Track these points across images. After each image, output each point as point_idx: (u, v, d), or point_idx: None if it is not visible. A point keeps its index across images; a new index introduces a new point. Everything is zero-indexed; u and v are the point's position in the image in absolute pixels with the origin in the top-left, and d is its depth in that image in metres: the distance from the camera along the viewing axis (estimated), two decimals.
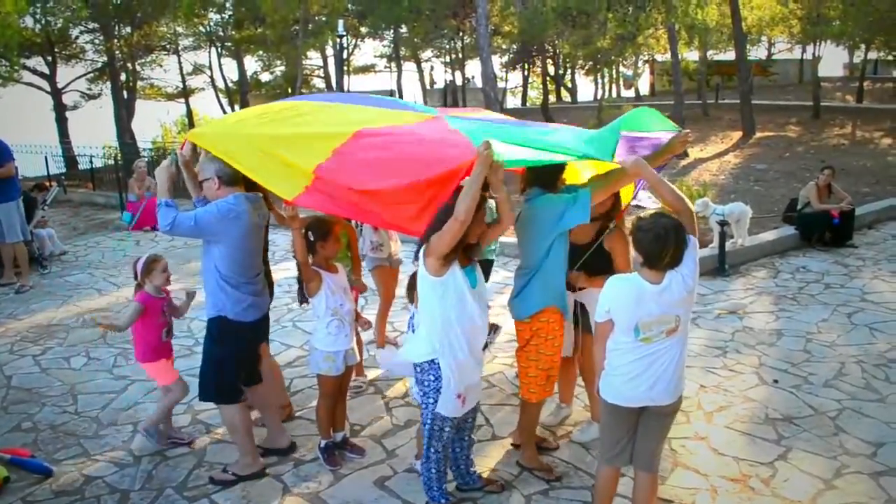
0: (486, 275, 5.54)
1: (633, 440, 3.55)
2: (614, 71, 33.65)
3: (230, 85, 29.18)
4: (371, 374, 5.84)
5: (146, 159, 15.23)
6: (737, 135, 19.46)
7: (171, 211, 4.02)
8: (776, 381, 5.61)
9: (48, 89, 23.59)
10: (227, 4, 24.95)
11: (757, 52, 35.26)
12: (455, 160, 3.58)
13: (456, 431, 3.97)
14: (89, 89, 27.04)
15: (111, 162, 16.56)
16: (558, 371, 4.32)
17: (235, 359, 4.34)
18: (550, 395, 4.37)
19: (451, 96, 32.08)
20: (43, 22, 22.03)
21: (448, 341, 3.69)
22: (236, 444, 4.42)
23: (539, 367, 4.16)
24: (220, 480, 4.34)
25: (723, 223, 8.80)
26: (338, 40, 18.59)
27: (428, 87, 36.14)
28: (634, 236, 3.32)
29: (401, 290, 6.11)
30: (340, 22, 16.50)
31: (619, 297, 3.35)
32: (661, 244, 3.22)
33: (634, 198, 4.83)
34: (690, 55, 27.56)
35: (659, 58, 33.66)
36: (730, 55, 28.74)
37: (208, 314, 4.27)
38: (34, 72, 23.32)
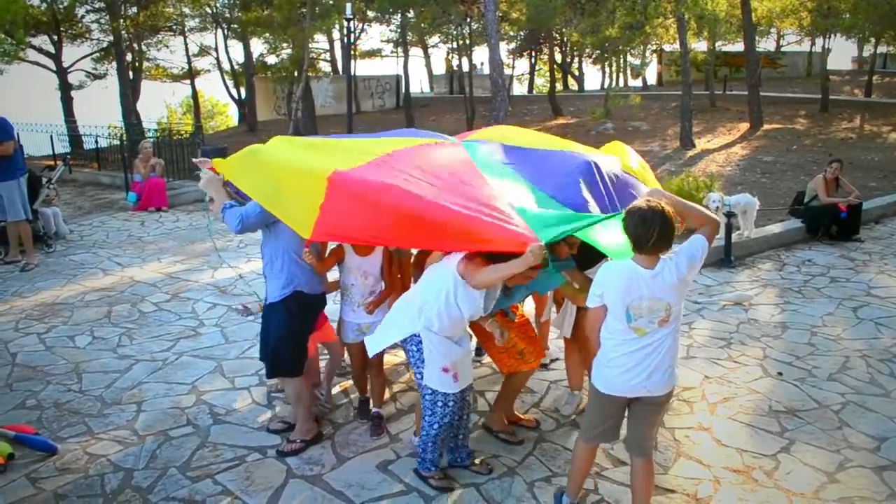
0: None
1: (616, 424, 3.62)
2: (622, 60, 33.48)
3: (236, 67, 29.10)
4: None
5: (152, 140, 15.20)
6: (744, 126, 19.40)
7: (235, 209, 4.29)
8: (780, 374, 5.60)
9: (53, 68, 23.54)
10: None
11: (766, 44, 35.09)
12: (506, 240, 3.56)
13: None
14: (95, 69, 26.99)
15: (116, 142, 16.53)
16: (531, 343, 4.54)
17: (308, 332, 4.58)
18: (531, 367, 4.56)
19: (458, 82, 31.97)
20: (49, 0, 21.96)
21: (426, 316, 3.87)
22: (298, 412, 4.57)
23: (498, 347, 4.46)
24: (289, 451, 4.48)
25: (729, 214, 8.77)
26: (345, 23, 18.44)
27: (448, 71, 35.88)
28: (623, 222, 3.35)
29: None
30: (348, 5, 16.33)
31: (612, 279, 3.38)
32: (647, 225, 3.23)
33: None
34: (699, 45, 27.37)
35: (667, 48, 33.48)
36: (738, 46, 28.58)
37: (280, 295, 4.36)
38: (40, 50, 23.28)
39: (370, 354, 4.21)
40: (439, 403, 3.94)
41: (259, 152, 4.40)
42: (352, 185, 3.79)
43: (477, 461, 4.30)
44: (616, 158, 4.75)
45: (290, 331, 4.42)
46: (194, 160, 4.58)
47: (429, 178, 3.93)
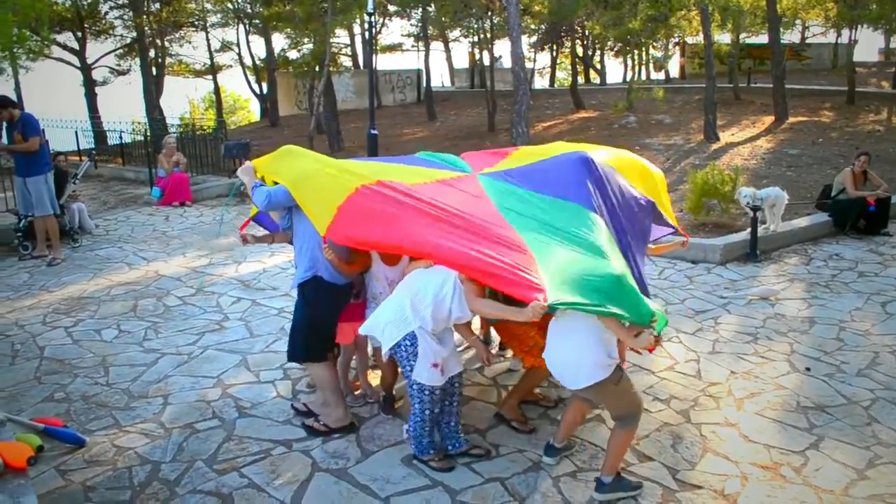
0: None
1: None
2: (644, 53, 33.19)
3: (257, 62, 29.24)
4: None
5: (175, 135, 15.32)
6: (769, 119, 19.14)
7: (263, 188, 4.39)
8: (808, 369, 5.54)
9: (78, 65, 23.80)
10: None
11: (790, 36, 34.58)
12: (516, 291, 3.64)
13: (443, 396, 4.25)
14: (118, 65, 27.30)
15: (140, 137, 16.69)
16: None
17: (327, 320, 4.60)
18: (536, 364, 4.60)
19: (479, 76, 31.86)
20: None
21: (420, 316, 4.05)
22: (326, 399, 4.61)
23: (521, 344, 4.67)
24: (312, 429, 4.57)
25: (755, 208, 8.67)
26: (367, 18, 18.40)
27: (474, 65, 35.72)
28: None
29: None
30: None
31: None
32: None
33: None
34: (723, 38, 27.04)
35: (690, 40, 33.12)
36: (762, 38, 28.21)
37: (301, 278, 4.46)
38: (64, 47, 23.55)
39: (383, 351, 4.24)
40: (426, 392, 4.11)
41: (293, 150, 4.66)
42: (371, 201, 4.02)
43: (474, 448, 4.38)
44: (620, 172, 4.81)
45: (303, 317, 4.51)
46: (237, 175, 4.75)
47: (446, 211, 4.05)
